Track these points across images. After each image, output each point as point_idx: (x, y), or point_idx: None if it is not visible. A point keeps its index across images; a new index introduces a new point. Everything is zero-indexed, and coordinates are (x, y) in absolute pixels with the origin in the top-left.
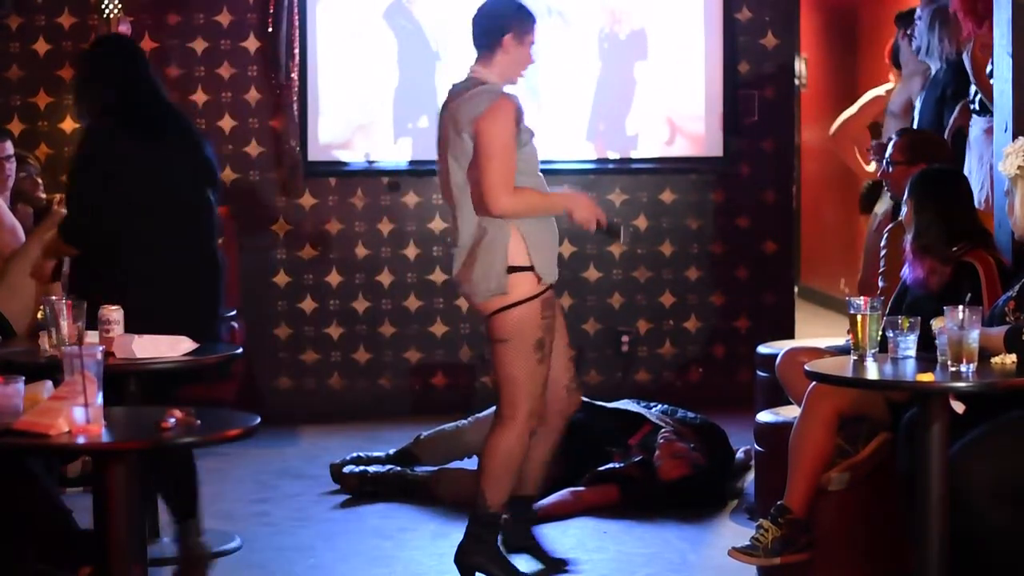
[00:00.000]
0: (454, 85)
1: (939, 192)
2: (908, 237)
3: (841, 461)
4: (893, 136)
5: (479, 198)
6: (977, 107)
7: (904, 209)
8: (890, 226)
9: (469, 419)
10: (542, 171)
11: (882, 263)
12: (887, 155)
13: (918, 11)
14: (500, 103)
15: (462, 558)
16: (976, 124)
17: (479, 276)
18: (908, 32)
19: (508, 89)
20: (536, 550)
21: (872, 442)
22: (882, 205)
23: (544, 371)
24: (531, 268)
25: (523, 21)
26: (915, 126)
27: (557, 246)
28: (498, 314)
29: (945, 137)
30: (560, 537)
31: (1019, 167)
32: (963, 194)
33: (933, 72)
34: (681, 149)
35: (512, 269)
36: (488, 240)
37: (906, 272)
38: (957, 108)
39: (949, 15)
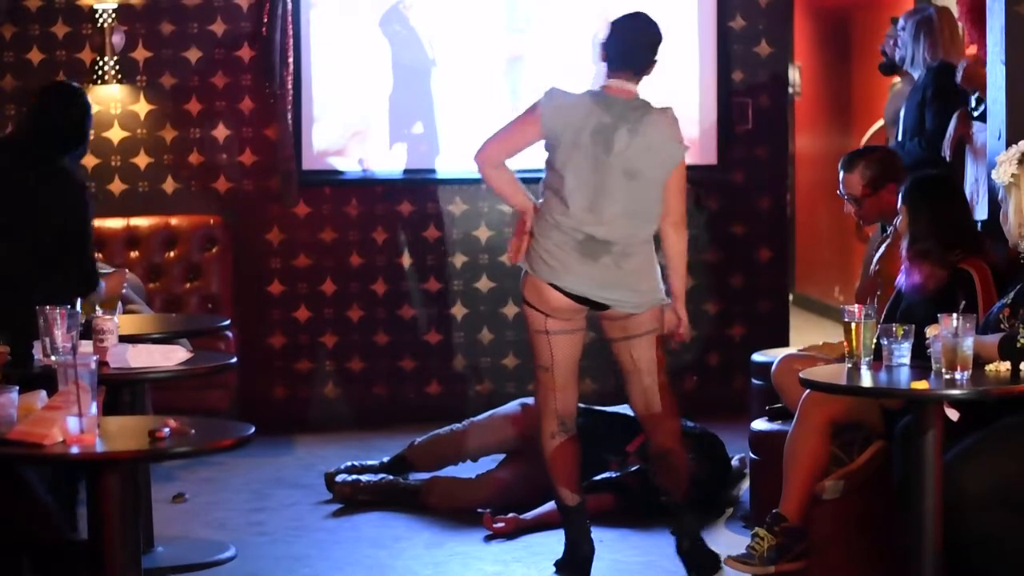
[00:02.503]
0: (638, 105)
1: (933, 197)
2: (904, 244)
3: (836, 469)
4: (841, 172)
5: (674, 220)
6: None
7: (897, 219)
8: (885, 243)
9: (464, 422)
10: (536, 179)
11: (879, 280)
12: (843, 194)
13: (901, 21)
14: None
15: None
16: (981, 131)
17: (654, 285)
18: (893, 42)
19: None
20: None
21: (867, 451)
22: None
23: None
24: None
25: None
26: (900, 132)
27: None
28: (655, 312)
29: (946, 147)
30: (555, 545)
31: (1013, 175)
32: (956, 198)
33: (916, 78)
34: None
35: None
36: (650, 250)
37: (901, 279)
38: (954, 118)
39: (933, 25)
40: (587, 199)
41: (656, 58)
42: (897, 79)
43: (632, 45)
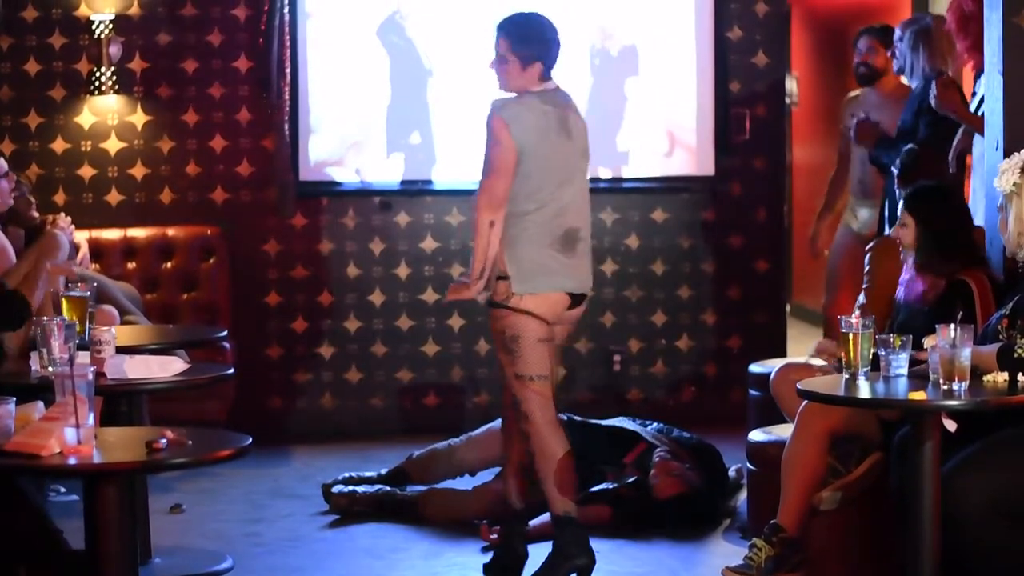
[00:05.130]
0: (563, 92)
1: (942, 208)
2: (911, 253)
3: (833, 481)
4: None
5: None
6: None
7: (897, 226)
8: (871, 244)
9: (461, 437)
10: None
11: (865, 280)
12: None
13: (898, 32)
14: None
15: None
16: (979, 143)
17: (588, 271)
18: (890, 53)
19: None
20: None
21: (864, 462)
22: (856, 223)
23: None
24: None
25: None
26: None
27: None
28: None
29: (950, 160)
30: None
31: (1015, 183)
32: (964, 209)
33: (914, 88)
34: (674, 166)
35: None
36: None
37: (900, 292)
38: (960, 131)
39: (931, 35)
40: (563, 191)
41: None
42: (856, 91)
43: (546, 44)
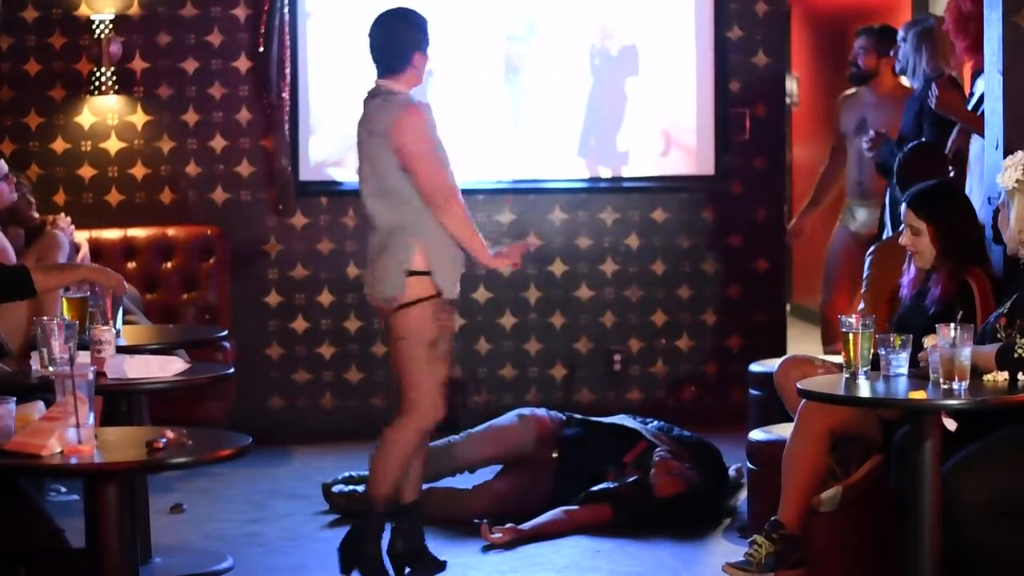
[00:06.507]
0: (376, 94)
1: (952, 207)
2: (934, 257)
3: (833, 484)
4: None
5: (426, 201)
6: None
7: (907, 235)
8: (872, 248)
9: (461, 435)
10: (534, 189)
11: (864, 284)
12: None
13: (901, 33)
14: (412, 110)
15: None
16: (976, 141)
17: (380, 276)
18: (892, 53)
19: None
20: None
21: (864, 465)
22: (854, 224)
23: (440, 370)
24: (428, 274)
25: (428, 36)
26: (898, 140)
27: (460, 267)
28: (397, 312)
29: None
30: (553, 556)
31: (1017, 180)
32: (969, 204)
33: (916, 89)
34: (674, 165)
35: (411, 273)
36: (393, 244)
37: (903, 291)
38: (955, 131)
39: (934, 36)
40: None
41: (406, 54)
42: (852, 89)
43: (375, 46)
